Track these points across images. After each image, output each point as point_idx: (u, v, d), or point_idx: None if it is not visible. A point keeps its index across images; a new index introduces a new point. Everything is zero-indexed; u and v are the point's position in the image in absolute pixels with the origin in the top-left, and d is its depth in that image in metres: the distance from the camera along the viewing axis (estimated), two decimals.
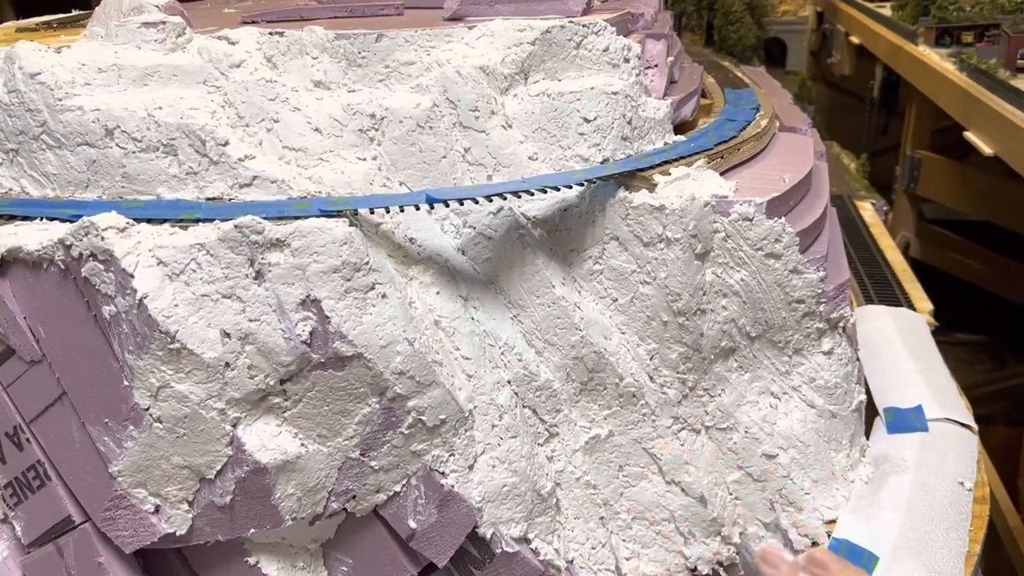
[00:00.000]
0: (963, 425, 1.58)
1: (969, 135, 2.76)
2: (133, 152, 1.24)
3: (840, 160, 4.47)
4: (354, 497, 1.21)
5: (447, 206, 1.27)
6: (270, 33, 1.39)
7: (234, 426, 1.13)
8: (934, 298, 2.35)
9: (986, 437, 1.69)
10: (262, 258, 1.11)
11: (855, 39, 4.97)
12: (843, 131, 5.37)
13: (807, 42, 5.95)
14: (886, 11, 4.38)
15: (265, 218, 1.12)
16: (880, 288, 2.31)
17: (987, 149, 2.63)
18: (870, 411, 1.63)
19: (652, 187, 1.35)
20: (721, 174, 1.45)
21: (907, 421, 1.57)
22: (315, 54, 1.38)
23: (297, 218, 1.14)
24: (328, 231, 1.13)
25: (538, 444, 1.35)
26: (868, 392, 1.62)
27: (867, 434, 1.59)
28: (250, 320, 1.11)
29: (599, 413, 1.38)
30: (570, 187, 1.30)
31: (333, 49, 1.38)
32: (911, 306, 2.20)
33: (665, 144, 1.50)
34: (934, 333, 2.03)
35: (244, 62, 1.33)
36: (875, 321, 1.95)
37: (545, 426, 1.37)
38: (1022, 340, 4.08)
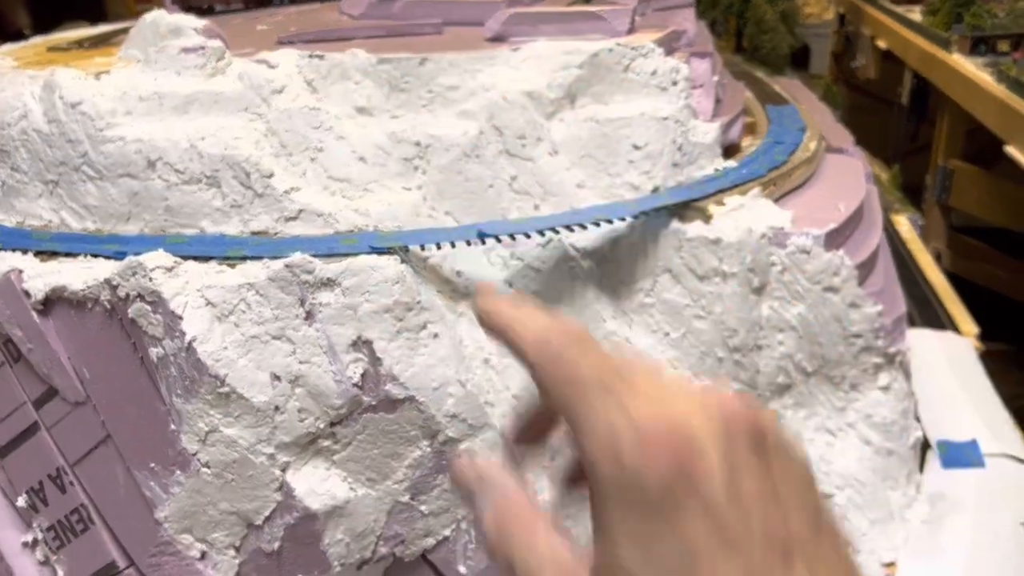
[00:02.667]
0: (1021, 461, 1.53)
1: (1010, 149, 2.69)
2: (176, 184, 1.21)
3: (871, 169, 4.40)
4: (403, 542, 1.18)
5: (499, 241, 1.23)
6: (310, 56, 1.36)
7: (283, 471, 1.10)
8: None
9: None
10: (313, 298, 1.08)
11: (882, 43, 4.88)
12: (866, 134, 5.28)
13: (830, 45, 5.86)
14: (915, 16, 4.29)
15: (314, 255, 1.09)
16: (922, 309, 2.24)
17: None
18: (922, 443, 1.58)
19: (707, 218, 1.31)
20: (774, 202, 1.41)
21: (962, 456, 1.53)
22: (357, 78, 1.35)
23: (347, 255, 1.11)
24: (380, 269, 1.09)
25: None
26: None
27: (920, 468, 1.54)
28: (300, 362, 1.08)
29: None
30: (623, 219, 1.26)
31: (376, 74, 1.34)
32: (955, 329, 2.14)
33: (715, 171, 1.45)
34: None
35: (286, 88, 1.30)
36: (921, 346, 1.89)
37: None
38: None
